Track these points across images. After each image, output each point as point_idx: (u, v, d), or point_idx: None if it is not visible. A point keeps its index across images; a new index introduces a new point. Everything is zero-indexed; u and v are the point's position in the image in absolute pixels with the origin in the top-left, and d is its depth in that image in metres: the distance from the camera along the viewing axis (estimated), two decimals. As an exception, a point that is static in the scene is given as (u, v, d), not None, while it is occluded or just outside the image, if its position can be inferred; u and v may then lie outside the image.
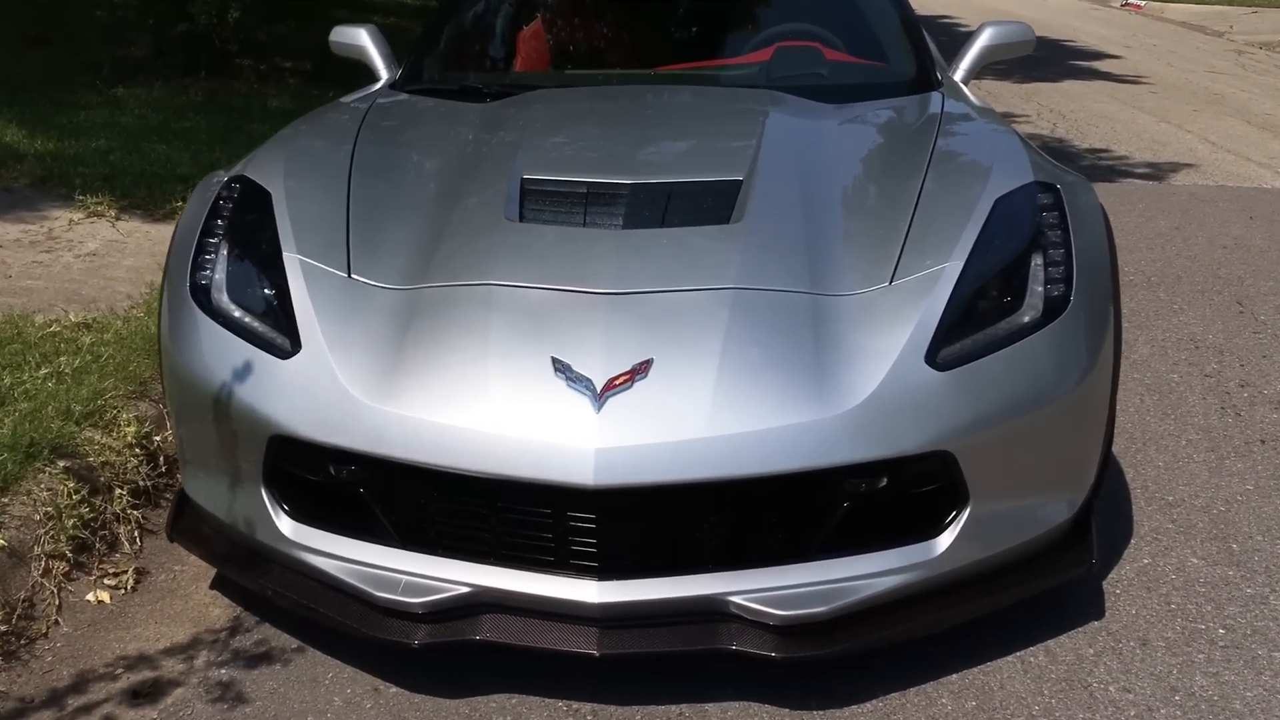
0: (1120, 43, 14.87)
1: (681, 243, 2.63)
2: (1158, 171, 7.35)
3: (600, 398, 2.26)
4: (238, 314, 2.58)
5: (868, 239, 2.67)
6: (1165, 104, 10.17)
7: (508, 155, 3.01)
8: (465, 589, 2.34)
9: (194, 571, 2.92)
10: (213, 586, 2.86)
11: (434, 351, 2.39)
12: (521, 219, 2.73)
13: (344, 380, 2.37)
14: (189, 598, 2.84)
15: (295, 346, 2.46)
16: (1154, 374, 4.17)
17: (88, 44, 8.45)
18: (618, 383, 2.29)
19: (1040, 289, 2.54)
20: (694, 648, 2.32)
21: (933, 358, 2.38)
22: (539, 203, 2.80)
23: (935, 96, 3.57)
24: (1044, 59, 12.53)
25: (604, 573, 2.32)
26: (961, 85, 3.84)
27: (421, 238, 2.70)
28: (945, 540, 2.41)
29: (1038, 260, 2.59)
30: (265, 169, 2.92)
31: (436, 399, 2.32)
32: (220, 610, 2.78)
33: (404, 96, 3.71)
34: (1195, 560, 2.98)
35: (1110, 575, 2.91)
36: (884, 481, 2.36)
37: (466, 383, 2.33)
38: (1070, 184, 2.88)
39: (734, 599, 2.32)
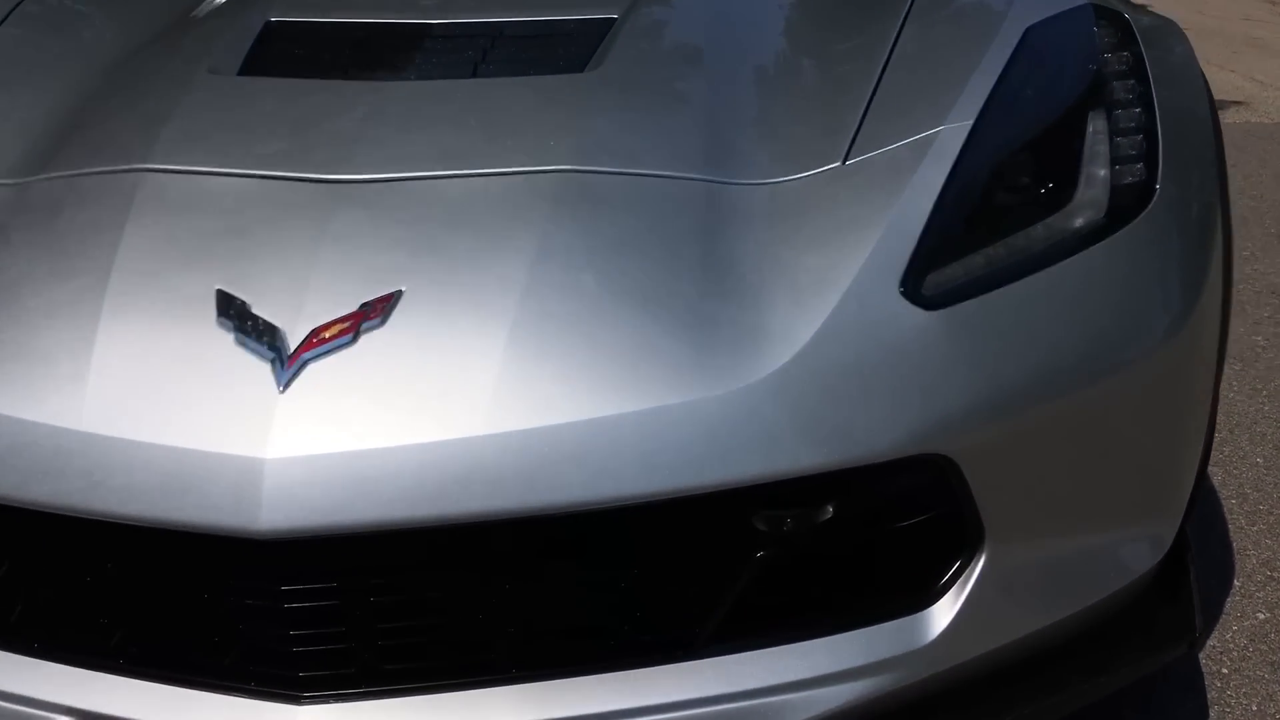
0: (1143, -6, 13.75)
1: (496, 100, 1.56)
2: (1203, 109, 6.26)
3: (292, 363, 1.21)
4: None
5: (809, 100, 1.60)
6: (1202, 46, 8.98)
7: (263, -1, 1.94)
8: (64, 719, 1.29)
9: None
10: None
11: (17, 283, 1.33)
12: (243, 72, 1.66)
13: None
14: None
15: None
16: (1233, 336, 3.08)
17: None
18: (329, 335, 1.23)
19: (1103, 172, 1.47)
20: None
21: (915, 287, 1.31)
22: (281, 50, 1.73)
23: None
24: (1061, 7, 11.41)
25: (309, 689, 1.26)
26: None
27: (70, 107, 1.64)
28: (943, 614, 1.34)
29: (1098, 125, 1.52)
30: None
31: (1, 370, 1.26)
32: None
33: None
34: (1337, 613, 1.93)
35: (1210, 644, 1.85)
36: (828, 512, 1.30)
37: (62, 338, 1.27)
38: (1151, 26, 1.80)
39: (555, 733, 1.27)
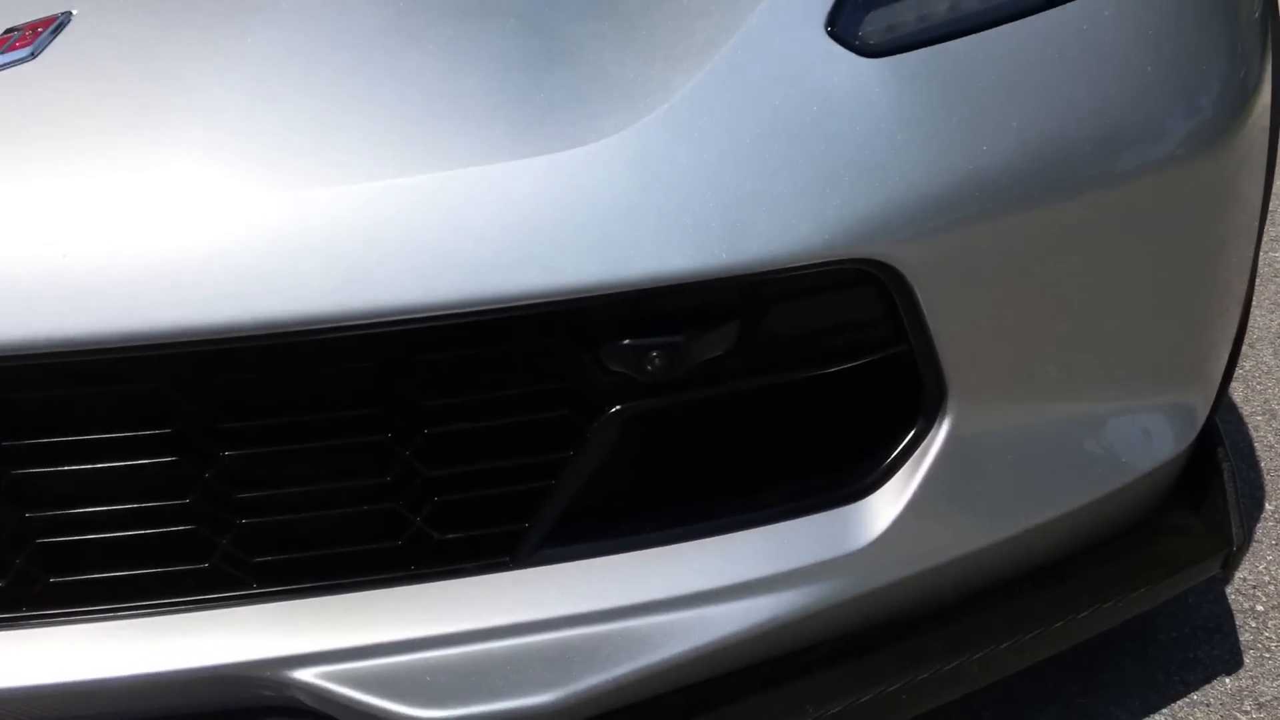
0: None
1: None
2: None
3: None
4: None
5: None
6: None
7: None
8: None
9: None
10: None
11: None
12: None
13: None
14: None
15: None
16: (1246, 248, 2.72)
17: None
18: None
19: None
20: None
21: (851, 25, 0.90)
22: None
23: None
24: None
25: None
26: None
27: None
28: (888, 507, 0.93)
29: None
30: None
31: None
32: None
33: None
34: (1394, 541, 1.53)
35: (1241, 575, 1.46)
36: (714, 346, 0.88)
37: None
38: None
39: (308, 677, 0.86)
